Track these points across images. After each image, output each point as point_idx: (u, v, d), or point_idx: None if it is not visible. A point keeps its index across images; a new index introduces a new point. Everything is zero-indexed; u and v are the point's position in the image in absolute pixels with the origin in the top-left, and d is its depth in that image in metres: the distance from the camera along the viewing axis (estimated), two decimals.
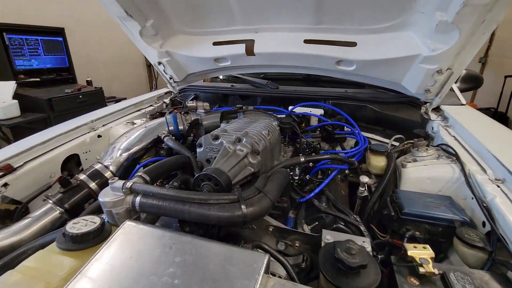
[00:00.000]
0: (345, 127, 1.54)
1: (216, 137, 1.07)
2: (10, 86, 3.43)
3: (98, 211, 1.03)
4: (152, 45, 1.69)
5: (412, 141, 1.41)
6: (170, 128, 1.41)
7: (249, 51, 1.61)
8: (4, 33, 3.49)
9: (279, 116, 1.52)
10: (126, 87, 6.35)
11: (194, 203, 0.72)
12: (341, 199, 1.16)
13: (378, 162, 1.21)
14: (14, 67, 3.64)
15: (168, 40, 1.72)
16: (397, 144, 1.46)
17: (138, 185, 0.79)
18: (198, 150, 1.11)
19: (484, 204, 0.86)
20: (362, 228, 0.89)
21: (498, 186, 0.89)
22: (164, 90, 2.19)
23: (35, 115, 3.54)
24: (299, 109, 1.63)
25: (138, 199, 0.78)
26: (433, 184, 1.06)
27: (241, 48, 1.62)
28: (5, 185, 1.08)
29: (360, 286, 0.63)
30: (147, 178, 0.90)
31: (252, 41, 1.59)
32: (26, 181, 1.15)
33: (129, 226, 0.74)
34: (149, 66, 6.86)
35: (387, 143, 1.47)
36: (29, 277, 0.62)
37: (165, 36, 1.69)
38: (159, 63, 1.81)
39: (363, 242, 0.78)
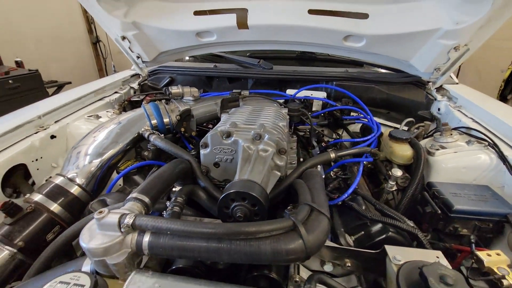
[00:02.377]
0: (353, 111, 1.39)
1: (229, 134, 0.82)
2: None
3: (69, 242, 0.74)
4: (114, 14, 1.31)
5: (423, 124, 1.33)
6: (152, 121, 1.10)
7: (242, 24, 1.33)
8: None
9: (280, 101, 1.31)
10: (68, 68, 5.41)
11: (238, 239, 0.50)
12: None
13: (403, 151, 1.09)
14: None
15: (135, 7, 1.34)
16: (405, 128, 1.38)
17: (144, 218, 0.53)
18: (203, 151, 0.86)
19: None
20: (421, 235, 0.75)
21: None
22: (129, 72, 1.79)
23: None
24: (301, 93, 1.43)
25: (147, 239, 0.52)
26: (469, 173, 0.98)
27: (231, 20, 1.33)
28: None
29: None
30: (146, 201, 0.64)
31: (245, 10, 1.31)
32: None
33: (139, 282, 0.49)
34: (94, 44, 5.91)
35: (398, 128, 1.37)
36: None
37: (131, 1, 1.32)
38: (123, 37, 1.43)
39: (437, 257, 0.64)
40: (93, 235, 0.53)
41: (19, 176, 1.00)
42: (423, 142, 1.15)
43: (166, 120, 1.14)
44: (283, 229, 0.53)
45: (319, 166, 0.90)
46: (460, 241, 0.86)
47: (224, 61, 1.77)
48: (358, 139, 1.23)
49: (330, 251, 0.70)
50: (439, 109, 1.42)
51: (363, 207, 0.86)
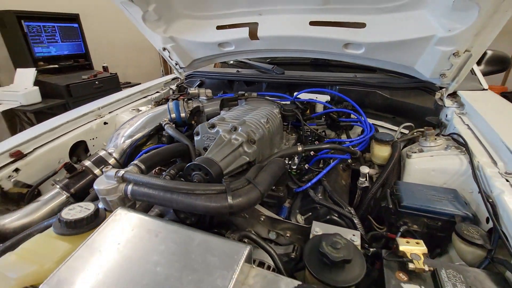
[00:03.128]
0: (351, 114, 1.47)
1: (213, 126, 1.06)
2: (30, 73, 3.58)
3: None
4: (156, 31, 1.67)
5: (422, 129, 1.34)
6: (172, 115, 1.42)
7: (253, 35, 1.56)
8: (23, 21, 3.59)
9: (282, 103, 1.48)
10: (141, 72, 6.44)
11: (181, 193, 0.73)
12: (340, 190, 1.13)
13: (381, 152, 1.16)
14: (33, 54, 3.78)
15: (171, 25, 1.69)
16: (406, 132, 1.40)
17: (130, 174, 0.80)
18: (195, 138, 1.11)
19: (490, 200, 0.81)
20: (356, 220, 0.86)
21: (508, 181, 0.83)
22: (172, 76, 2.19)
23: (55, 100, 3.70)
24: (304, 96, 1.58)
25: (129, 187, 0.80)
26: (438, 176, 1.01)
27: (244, 32, 1.57)
28: (17, 170, 1.15)
29: (342, 280, 0.62)
30: (142, 167, 0.92)
31: (256, 24, 1.53)
32: (36, 167, 1.21)
33: (120, 214, 0.76)
34: None
35: (396, 131, 1.40)
36: (24, 259, 0.67)
37: (168, 20, 1.67)
38: (164, 48, 1.80)
39: (353, 235, 0.76)
40: (102, 182, 0.83)
41: (81, 149, 1.42)
42: (409, 147, 1.19)
43: (183, 115, 1.44)
44: (215, 191, 0.74)
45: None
46: (414, 237, 0.92)
47: (246, 66, 2.01)
48: (348, 139, 1.33)
49: (271, 221, 0.88)
50: (446, 116, 1.39)
51: (319, 195, 0.99)
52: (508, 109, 1.33)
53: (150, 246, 0.65)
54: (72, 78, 3.95)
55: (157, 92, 1.96)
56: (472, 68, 1.78)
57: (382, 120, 1.54)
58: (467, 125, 1.19)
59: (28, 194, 1.13)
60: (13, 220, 1.02)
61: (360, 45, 1.39)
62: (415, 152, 1.09)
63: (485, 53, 2.02)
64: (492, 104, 1.35)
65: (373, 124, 1.49)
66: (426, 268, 0.67)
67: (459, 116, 1.27)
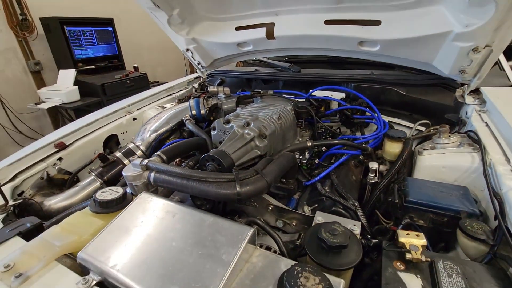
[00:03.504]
0: (366, 111, 1.48)
1: (228, 121, 1.14)
2: (71, 74, 3.93)
3: None
4: (180, 33, 1.79)
5: (438, 127, 1.32)
6: (192, 112, 1.52)
7: (270, 35, 1.62)
8: (65, 26, 3.95)
9: (297, 100, 1.53)
10: (168, 71, 6.75)
11: (196, 180, 0.82)
12: (350, 185, 1.16)
13: (392, 148, 1.17)
14: (74, 56, 4.14)
15: (194, 27, 1.80)
16: (423, 129, 1.38)
17: (152, 163, 0.91)
18: (212, 133, 1.20)
19: (498, 197, 0.80)
20: (359, 212, 0.90)
21: None
22: (195, 75, 2.31)
23: (92, 99, 4.03)
24: (319, 93, 1.61)
25: (152, 174, 0.91)
26: (449, 173, 1.01)
27: (262, 32, 1.63)
28: (60, 159, 1.32)
29: (338, 264, 0.67)
30: (164, 157, 1.03)
31: (272, 24, 1.59)
32: (76, 156, 1.38)
33: (144, 197, 0.87)
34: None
35: (412, 129, 1.39)
36: (66, 231, 0.80)
37: (191, 23, 1.78)
38: (187, 49, 1.92)
39: (354, 225, 0.80)
40: (129, 169, 0.94)
41: (113, 141, 1.58)
42: (421, 144, 1.19)
43: (202, 111, 1.54)
44: (226, 179, 0.82)
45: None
46: (416, 230, 0.93)
47: (265, 65, 2.08)
48: (362, 136, 1.35)
49: (279, 211, 0.94)
50: (467, 113, 1.35)
51: (326, 188, 1.04)
52: None
53: (168, 224, 0.75)
54: (107, 78, 4.26)
55: (181, 90, 2.09)
56: (501, 63, 1.70)
57: (398, 117, 1.52)
58: (486, 122, 1.16)
59: (69, 180, 1.30)
60: (57, 201, 1.19)
61: (375, 43, 1.40)
62: (427, 149, 1.09)
63: None
64: None
65: (389, 121, 1.49)
66: (423, 258, 0.69)
67: (479, 114, 1.24)
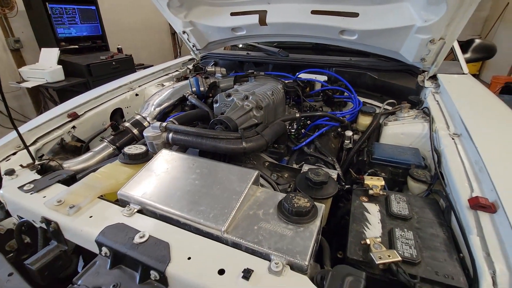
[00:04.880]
0: (344, 92, 1.73)
1: (229, 95, 1.34)
2: (54, 53, 3.86)
3: None
4: (178, 16, 1.92)
5: (400, 105, 1.60)
6: (193, 89, 1.69)
7: (262, 21, 1.80)
8: (47, 3, 3.83)
9: (285, 81, 1.74)
10: (152, 54, 6.67)
11: (209, 137, 1.02)
12: (330, 151, 1.41)
13: (364, 121, 1.43)
14: (56, 35, 4.04)
15: (191, 11, 1.94)
16: (390, 108, 1.65)
17: (171, 125, 1.09)
18: (214, 105, 1.39)
19: (438, 152, 1.08)
20: (336, 165, 1.15)
21: (453, 139, 1.09)
22: (188, 57, 2.45)
23: (77, 79, 3.99)
24: (305, 75, 1.83)
25: (171, 135, 1.09)
26: (406, 138, 1.28)
27: (255, 18, 1.81)
28: (73, 127, 1.45)
29: (320, 195, 0.91)
30: (176, 123, 1.21)
31: (265, 11, 1.77)
32: (87, 126, 1.51)
33: (165, 152, 1.06)
34: (173, 34, 7.07)
35: (381, 107, 1.66)
36: (104, 177, 0.97)
37: (188, 7, 1.91)
38: (184, 32, 2.05)
39: (332, 173, 1.05)
40: (149, 131, 1.12)
41: (118, 114, 1.71)
42: (387, 117, 1.45)
43: (201, 89, 1.71)
44: (234, 137, 1.02)
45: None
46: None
47: (255, 50, 2.26)
48: (339, 112, 1.59)
49: (273, 166, 1.17)
50: (425, 95, 1.64)
51: (311, 150, 1.28)
52: (474, 90, 1.56)
53: (189, 170, 0.95)
54: (92, 58, 4.21)
55: (176, 70, 2.23)
56: (457, 55, 2.00)
57: (371, 98, 1.79)
58: (437, 101, 1.44)
59: (84, 147, 1.44)
60: (74, 164, 1.33)
61: (353, 32, 1.63)
62: (391, 121, 1.36)
63: (472, 41, 2.23)
64: (463, 86, 1.59)
65: (363, 101, 1.75)
66: (381, 193, 0.95)
67: (433, 95, 1.52)
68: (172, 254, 0.70)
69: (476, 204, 0.78)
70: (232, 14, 1.88)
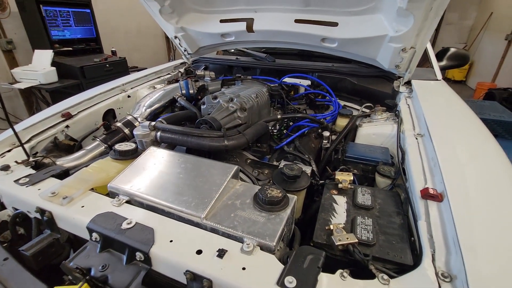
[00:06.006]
0: (326, 96, 1.84)
1: (215, 97, 1.43)
2: (48, 54, 3.91)
3: None
4: (170, 22, 2.02)
5: (376, 108, 1.71)
6: (182, 91, 1.78)
7: (249, 28, 1.91)
8: (41, 5, 3.89)
9: (271, 85, 1.84)
10: (146, 57, 6.74)
11: (194, 135, 1.11)
12: (310, 150, 1.51)
13: (342, 122, 1.53)
14: (50, 37, 4.09)
15: (182, 17, 2.04)
16: (367, 111, 1.77)
17: (159, 124, 1.18)
18: (202, 107, 1.49)
19: (403, 151, 1.19)
20: (312, 162, 1.25)
21: (417, 139, 1.21)
22: (180, 61, 2.54)
23: (70, 81, 4.04)
24: (289, 80, 1.94)
25: (159, 133, 1.18)
26: (377, 138, 1.39)
27: (242, 26, 1.91)
28: (67, 126, 1.52)
29: (294, 187, 1.01)
30: (165, 122, 1.30)
31: (252, 19, 1.88)
32: (79, 126, 1.59)
33: (153, 149, 1.14)
34: (167, 38, 7.15)
35: (358, 110, 1.78)
36: (95, 171, 1.05)
37: (180, 13, 2.01)
38: (175, 37, 2.15)
39: (306, 169, 1.15)
40: (139, 129, 1.21)
41: (110, 115, 1.79)
42: (363, 119, 1.57)
43: (191, 91, 1.80)
44: (217, 135, 1.12)
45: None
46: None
47: (244, 55, 2.37)
48: (320, 114, 1.70)
49: (254, 163, 1.26)
50: (400, 99, 1.76)
51: (291, 149, 1.38)
52: (443, 95, 1.69)
53: (174, 165, 1.04)
54: (85, 60, 4.27)
55: (168, 74, 2.31)
56: (432, 63, 2.14)
57: (351, 102, 1.91)
58: (408, 105, 1.56)
59: (77, 145, 1.51)
60: (68, 161, 1.40)
61: (333, 40, 1.75)
62: (365, 123, 1.47)
63: (448, 50, 2.38)
64: (433, 91, 1.71)
65: (344, 104, 1.87)
66: (349, 187, 1.05)
67: (406, 99, 1.64)
68: (156, 237, 0.79)
69: (426, 194, 0.88)
70: (221, 21, 1.99)
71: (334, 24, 1.70)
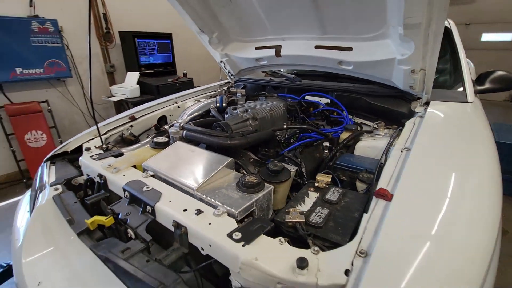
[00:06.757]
0: (340, 113, 1.99)
1: (235, 109, 1.77)
2: (136, 76, 4.98)
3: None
4: (217, 50, 2.50)
5: (389, 127, 1.79)
6: (217, 104, 2.19)
7: (277, 53, 2.23)
8: (136, 38, 5.04)
9: (290, 101, 2.10)
10: (208, 78, 7.69)
11: (206, 134, 1.45)
12: (313, 158, 1.69)
13: (345, 135, 1.68)
14: (139, 62, 5.21)
15: (226, 46, 2.50)
16: (376, 127, 1.85)
17: (186, 125, 1.57)
18: (226, 116, 1.84)
19: (382, 161, 1.29)
20: (303, 166, 1.44)
21: (402, 151, 1.29)
22: (226, 81, 3.02)
23: (149, 96, 5.01)
24: (311, 97, 2.16)
25: (184, 132, 1.57)
26: (371, 151, 1.49)
27: (272, 51, 2.25)
28: (131, 126, 2.07)
29: (275, 179, 1.24)
30: (192, 125, 1.69)
31: (280, 46, 2.20)
32: (140, 126, 2.13)
33: (178, 143, 1.53)
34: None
35: (371, 126, 1.87)
36: (137, 154, 1.48)
37: (225, 43, 2.48)
38: (221, 61, 2.62)
39: (292, 169, 1.35)
40: (173, 128, 1.62)
41: (163, 121, 2.31)
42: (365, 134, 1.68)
43: (224, 104, 2.20)
44: (223, 135, 1.43)
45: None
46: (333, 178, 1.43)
47: (278, 76, 2.69)
48: (331, 129, 1.87)
49: (256, 162, 1.52)
50: None
51: (290, 154, 1.59)
52: (459, 117, 1.64)
53: (188, 154, 1.39)
54: (161, 80, 5.25)
55: (213, 91, 2.80)
56: (464, 84, 2.07)
57: (368, 119, 2.00)
58: (414, 123, 1.60)
59: (135, 140, 2.04)
60: (127, 150, 1.92)
61: (349, 63, 1.92)
62: (365, 137, 1.59)
63: (491, 72, 2.24)
64: (449, 112, 1.69)
65: (361, 122, 1.98)
66: (326, 186, 1.22)
67: (416, 118, 1.68)
68: (161, 198, 1.13)
69: (379, 193, 1.01)
70: (257, 48, 2.37)
71: (349, 49, 1.88)
